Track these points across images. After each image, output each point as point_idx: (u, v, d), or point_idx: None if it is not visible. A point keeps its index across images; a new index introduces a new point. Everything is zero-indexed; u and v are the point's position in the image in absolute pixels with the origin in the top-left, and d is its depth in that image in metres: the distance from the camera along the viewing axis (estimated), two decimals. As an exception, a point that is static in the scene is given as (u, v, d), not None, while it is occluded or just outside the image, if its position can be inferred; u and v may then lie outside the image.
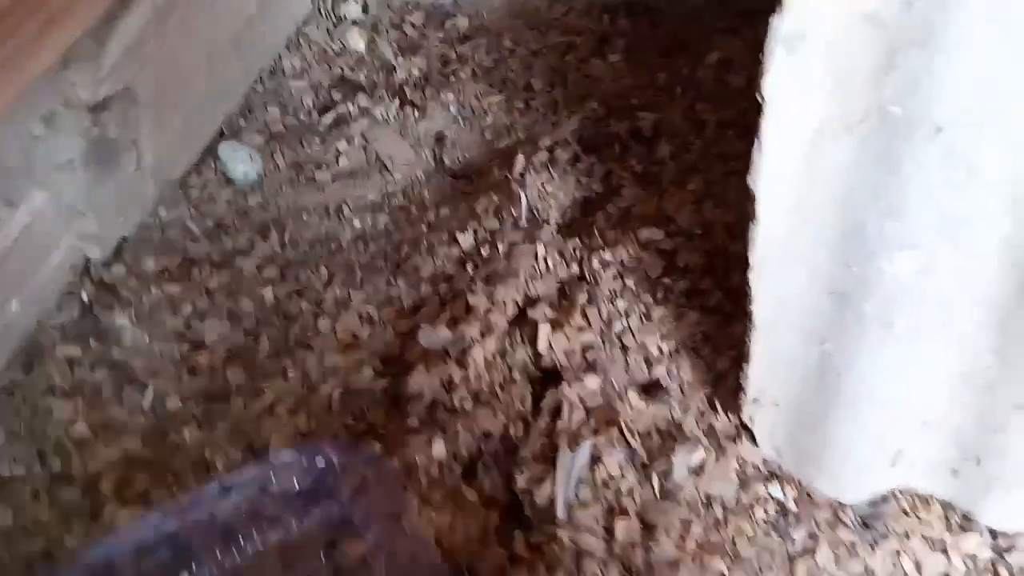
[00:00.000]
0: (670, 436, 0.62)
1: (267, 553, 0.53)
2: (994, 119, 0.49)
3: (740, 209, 0.75)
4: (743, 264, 0.58)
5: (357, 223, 0.78)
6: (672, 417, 0.63)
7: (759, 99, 0.52)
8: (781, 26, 0.50)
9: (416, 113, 0.89)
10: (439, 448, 0.58)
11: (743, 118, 0.86)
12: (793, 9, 0.49)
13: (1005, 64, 0.48)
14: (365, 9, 0.98)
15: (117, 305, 0.67)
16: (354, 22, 0.96)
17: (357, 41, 0.95)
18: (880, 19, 0.50)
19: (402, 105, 0.89)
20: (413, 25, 0.98)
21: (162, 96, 0.70)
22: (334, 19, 0.96)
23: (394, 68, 0.93)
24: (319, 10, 0.96)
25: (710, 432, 0.63)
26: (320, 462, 0.50)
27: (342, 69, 0.92)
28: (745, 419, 0.62)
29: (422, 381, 0.62)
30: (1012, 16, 0.46)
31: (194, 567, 0.51)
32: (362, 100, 0.88)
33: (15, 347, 0.63)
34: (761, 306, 0.58)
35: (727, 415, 0.63)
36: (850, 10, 0.50)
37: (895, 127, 0.52)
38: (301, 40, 0.93)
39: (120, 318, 0.66)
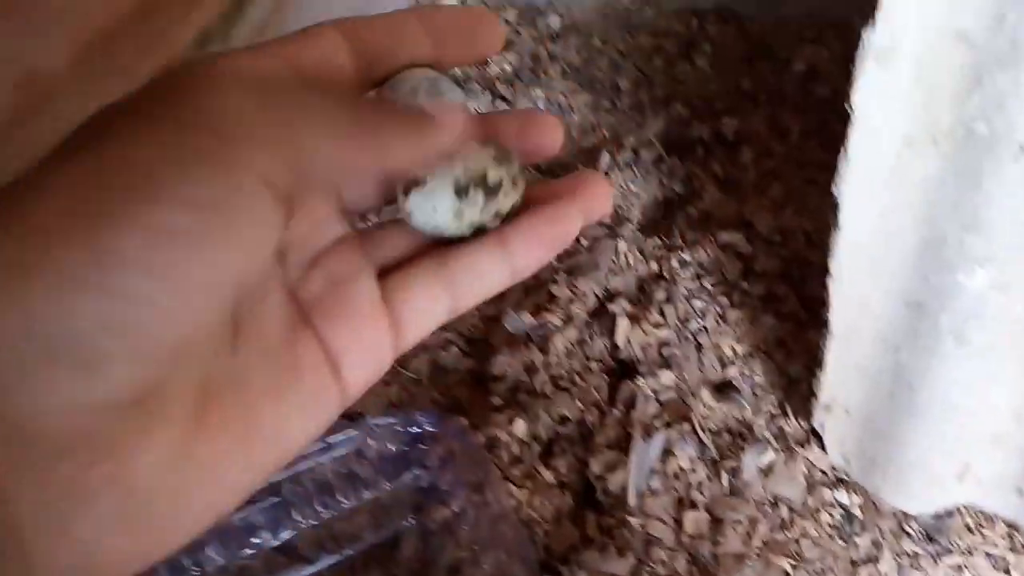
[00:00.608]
0: (740, 436, 0.64)
1: (359, 510, 0.57)
2: (1082, 141, 0.50)
3: (820, 217, 0.77)
4: (820, 272, 0.60)
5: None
6: (743, 417, 0.65)
7: (848, 109, 0.53)
8: (873, 39, 0.52)
9: (506, 107, 0.92)
10: (520, 427, 0.62)
11: (826, 128, 0.87)
12: (886, 23, 0.51)
13: (1097, 85, 0.49)
14: (462, 3, 1.02)
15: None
16: (451, 19, 1.00)
17: (453, 37, 0.99)
18: (970, 37, 0.51)
19: (493, 99, 0.93)
20: (507, 22, 1.01)
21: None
22: (432, 15, 1.00)
23: (487, 63, 0.97)
24: (419, 4, 1.01)
25: (780, 435, 0.65)
26: (414, 429, 0.54)
27: (438, 64, 0.96)
28: (815, 425, 0.64)
29: (506, 363, 0.66)
30: (1107, 41, 0.47)
31: (293, 515, 0.56)
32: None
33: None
34: (839, 313, 0.59)
35: (797, 420, 0.65)
36: (941, 26, 0.51)
37: (979, 143, 0.53)
38: (401, 35, 0.98)
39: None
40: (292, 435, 0.23)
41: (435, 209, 0.25)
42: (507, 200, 0.26)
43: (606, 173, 0.83)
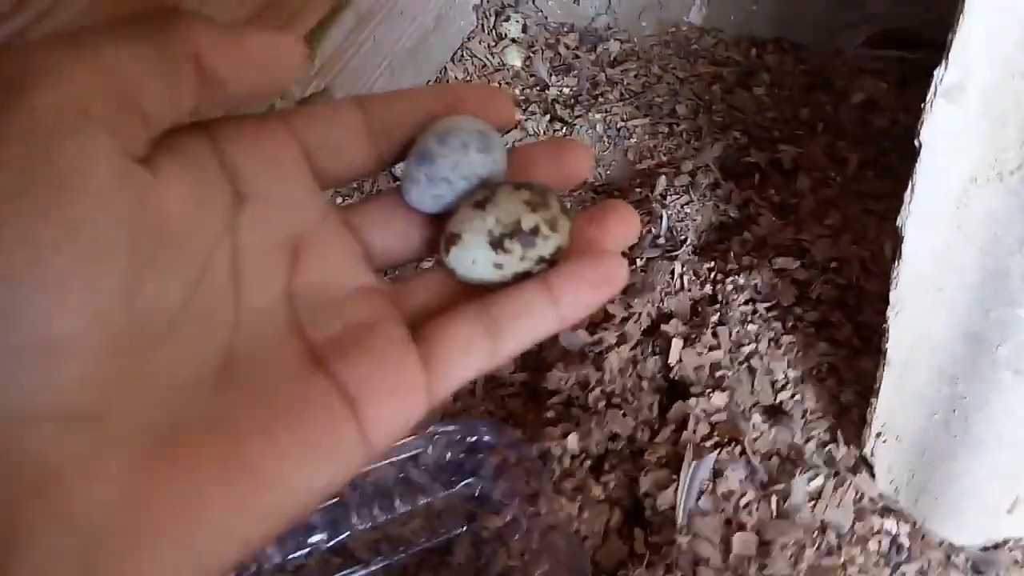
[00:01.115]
0: (790, 460, 0.64)
1: (414, 515, 0.58)
2: None
3: (877, 246, 0.77)
4: (876, 300, 0.60)
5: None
6: (793, 442, 0.65)
7: (916, 145, 0.54)
8: (943, 77, 0.53)
9: (564, 130, 0.94)
10: (572, 441, 0.63)
11: (884, 158, 0.87)
12: (955, 62, 0.52)
13: None
14: (524, 29, 1.04)
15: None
16: (513, 40, 1.03)
17: (515, 58, 1.01)
18: (1041, 76, 0.51)
19: (552, 121, 0.95)
20: (567, 46, 1.03)
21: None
22: (496, 36, 1.03)
23: (547, 86, 0.99)
24: (483, 27, 1.03)
25: (830, 461, 0.65)
26: (471, 439, 0.55)
27: (500, 83, 0.98)
28: (866, 452, 0.64)
29: (560, 378, 0.67)
30: None
31: (351, 517, 0.57)
32: (516, 115, 0.95)
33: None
34: (896, 343, 0.60)
35: (848, 447, 0.65)
36: (1010, 64, 0.52)
37: (1048, 181, 0.53)
38: (465, 54, 1.00)
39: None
40: (298, 479, 0.21)
41: (474, 262, 0.25)
42: (548, 244, 0.25)
43: (663, 196, 0.84)
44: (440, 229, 0.26)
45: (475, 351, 0.24)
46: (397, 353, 0.23)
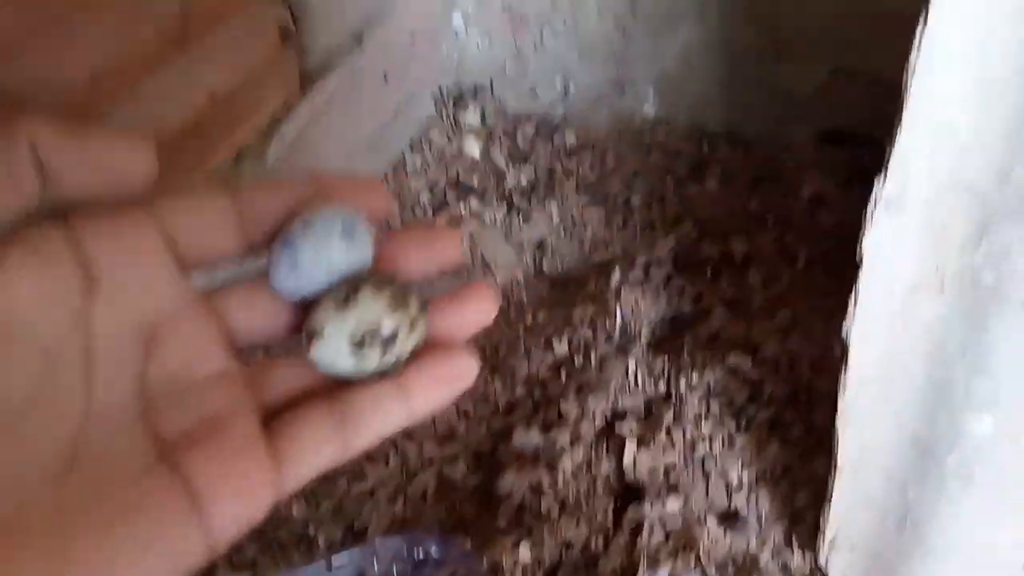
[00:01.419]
0: (745, 569, 0.63)
1: (359, 634, 0.56)
2: (1086, 299, 0.52)
3: (826, 344, 0.78)
4: (827, 400, 0.60)
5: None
6: (748, 549, 0.64)
7: (858, 256, 0.55)
8: (883, 189, 0.54)
9: (521, 219, 0.95)
10: (525, 552, 0.61)
11: (832, 254, 0.89)
12: (894, 176, 0.53)
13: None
14: (483, 118, 1.06)
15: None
16: (472, 129, 1.04)
17: (473, 147, 1.02)
18: (977, 189, 0.53)
19: (509, 211, 0.95)
20: (525, 136, 1.05)
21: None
22: (454, 125, 1.04)
23: (505, 175, 1.00)
24: (441, 116, 1.04)
25: (784, 569, 0.64)
26: (419, 553, 0.54)
27: (458, 172, 0.99)
28: (821, 560, 0.64)
29: (513, 482, 0.66)
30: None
31: (293, 639, 0.55)
32: (473, 203, 0.95)
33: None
34: (846, 449, 0.60)
35: (803, 552, 0.65)
36: (949, 178, 0.53)
37: (986, 292, 0.54)
38: (423, 142, 1.01)
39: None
40: (133, 572, 0.22)
41: (335, 359, 0.26)
42: (406, 345, 0.27)
43: (617, 290, 0.84)
44: (304, 315, 0.27)
45: (325, 448, 0.26)
46: (246, 450, 0.24)
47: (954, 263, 0.55)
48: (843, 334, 0.56)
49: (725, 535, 0.65)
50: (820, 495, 0.62)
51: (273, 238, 0.27)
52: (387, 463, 0.69)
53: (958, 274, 0.55)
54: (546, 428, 0.70)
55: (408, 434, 0.72)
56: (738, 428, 0.72)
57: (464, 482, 0.68)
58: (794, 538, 0.66)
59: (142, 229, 0.25)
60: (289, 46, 0.64)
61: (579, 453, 0.69)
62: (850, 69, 0.94)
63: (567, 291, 0.88)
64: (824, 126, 0.99)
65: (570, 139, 1.05)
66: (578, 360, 0.78)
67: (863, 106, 0.96)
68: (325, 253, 0.26)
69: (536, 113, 1.08)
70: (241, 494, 0.24)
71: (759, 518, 0.66)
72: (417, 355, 0.27)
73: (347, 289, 0.26)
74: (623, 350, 0.78)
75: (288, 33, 0.62)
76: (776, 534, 0.65)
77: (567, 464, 0.67)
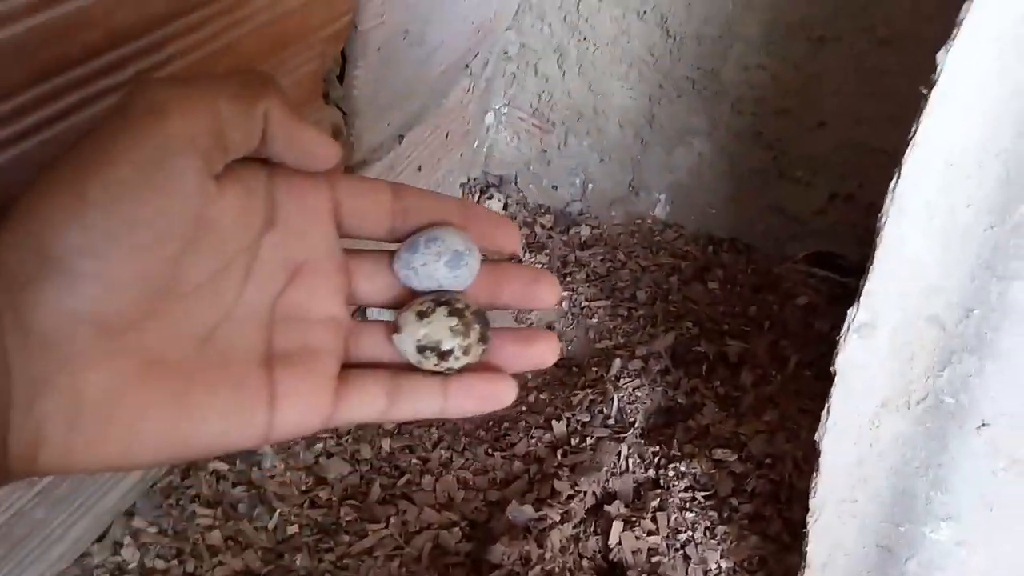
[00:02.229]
0: (717, 651, 0.67)
1: None
2: (1034, 426, 0.57)
3: (810, 445, 0.83)
4: (805, 498, 0.65)
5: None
6: (721, 633, 0.69)
7: (832, 371, 0.61)
8: (855, 315, 0.60)
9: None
10: (510, 621, 0.66)
11: (822, 359, 0.95)
12: (866, 305, 0.60)
13: (1048, 381, 0.57)
14: (505, 207, 1.14)
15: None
16: (493, 217, 1.12)
17: (493, 234, 1.09)
18: (941, 321, 0.59)
19: (521, 296, 1.02)
20: (543, 226, 1.13)
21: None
22: (477, 213, 1.12)
23: (521, 261, 1.07)
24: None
25: (755, 655, 0.68)
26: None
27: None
28: (789, 650, 0.68)
29: (503, 552, 0.71)
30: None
31: None
32: (489, 286, 1.02)
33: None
34: (815, 547, 0.65)
35: (773, 641, 0.69)
36: (917, 310, 0.60)
37: (948, 414, 0.60)
38: (446, 227, 1.09)
39: (265, 445, 0.78)
40: (211, 427, 0.29)
41: (405, 352, 0.34)
42: (458, 363, 0.33)
43: (616, 378, 0.90)
44: (406, 300, 0.35)
45: (373, 408, 0.33)
46: (321, 383, 0.32)
47: (920, 385, 0.61)
48: (816, 439, 0.62)
49: (699, 620, 0.69)
50: (791, 589, 0.67)
51: (411, 234, 0.34)
52: (387, 523, 0.74)
53: (923, 395, 0.61)
54: (539, 503, 0.75)
55: (409, 498, 0.77)
56: (720, 519, 0.77)
57: (457, 548, 0.73)
58: (764, 629, 0.70)
59: (319, 192, 0.33)
60: (340, 142, 0.72)
61: (568, 529, 0.73)
62: (847, 195, 1.02)
63: (570, 374, 0.94)
64: (820, 246, 1.07)
65: (584, 233, 1.13)
66: (575, 441, 0.83)
67: (859, 229, 1.03)
68: (429, 268, 0.33)
69: (555, 207, 1.16)
70: (303, 410, 0.31)
71: (732, 607, 0.71)
72: (468, 369, 0.34)
73: (430, 304, 0.33)
74: (617, 435, 0.84)
75: (339, 131, 0.70)
76: (747, 623, 0.70)
77: (555, 539, 0.72)
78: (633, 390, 0.89)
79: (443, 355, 0.33)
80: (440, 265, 0.33)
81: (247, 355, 0.31)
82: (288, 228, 0.32)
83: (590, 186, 1.14)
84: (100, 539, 0.67)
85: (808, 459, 0.83)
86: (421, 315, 0.33)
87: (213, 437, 0.29)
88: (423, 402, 0.33)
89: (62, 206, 0.25)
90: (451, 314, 0.33)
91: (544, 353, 0.35)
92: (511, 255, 0.36)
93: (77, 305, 0.26)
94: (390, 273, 0.34)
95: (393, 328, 0.34)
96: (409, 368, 0.34)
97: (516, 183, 1.16)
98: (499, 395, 0.34)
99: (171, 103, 0.27)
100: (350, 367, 0.33)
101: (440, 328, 0.33)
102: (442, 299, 0.34)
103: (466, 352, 0.33)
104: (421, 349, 0.33)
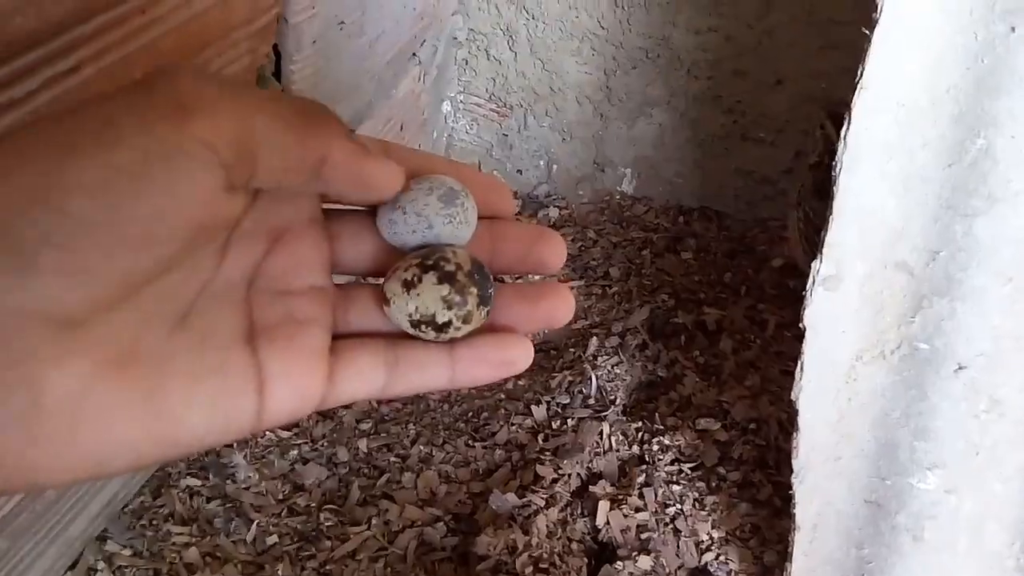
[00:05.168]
0: (714, 622, 0.66)
1: None
2: (1008, 362, 0.56)
3: (793, 407, 0.82)
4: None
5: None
6: (718, 604, 0.68)
7: (801, 327, 0.60)
8: (819, 269, 0.59)
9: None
10: (499, 611, 0.64)
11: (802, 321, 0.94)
12: (829, 256, 0.58)
13: (1019, 315, 0.55)
14: (469, 196, 1.12)
15: (236, 444, 0.77)
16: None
17: (460, 224, 1.08)
18: (908, 266, 0.58)
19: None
20: (525, 220, 1.11)
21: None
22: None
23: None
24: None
25: (752, 622, 0.67)
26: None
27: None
28: (786, 614, 0.66)
29: (489, 543, 0.69)
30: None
31: None
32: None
33: (148, 475, 0.73)
34: (803, 509, 0.63)
35: (770, 607, 0.67)
36: (883, 257, 0.58)
37: (924, 360, 0.59)
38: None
39: (237, 456, 0.76)
40: (192, 423, 0.26)
41: (399, 324, 0.29)
42: (459, 333, 0.29)
43: (594, 356, 0.89)
44: (389, 264, 0.30)
45: (370, 381, 0.29)
46: (311, 358, 0.28)
47: (893, 334, 0.60)
48: (792, 398, 0.61)
49: (694, 593, 0.68)
50: (787, 553, 0.66)
51: None
52: (370, 525, 0.72)
53: (897, 344, 0.60)
54: (523, 490, 0.74)
55: (390, 497, 0.75)
56: (708, 489, 0.76)
57: (443, 543, 0.71)
58: (760, 596, 0.68)
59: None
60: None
61: (554, 514, 0.72)
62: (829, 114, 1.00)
63: (548, 357, 0.92)
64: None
65: (553, 215, 1.11)
66: (555, 424, 0.82)
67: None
68: (424, 211, 0.28)
69: (522, 192, 1.14)
70: (295, 391, 0.27)
71: (728, 574, 0.69)
72: (475, 333, 0.29)
73: (417, 270, 0.29)
74: (598, 414, 0.82)
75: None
76: (742, 592, 0.68)
77: (542, 524, 0.71)
78: (612, 368, 0.88)
79: (440, 328, 0.29)
80: (433, 200, 0.29)
81: (228, 335, 0.27)
82: (272, 196, 0.29)
83: (555, 167, 1.13)
84: (73, 566, 0.66)
85: (793, 421, 0.81)
86: (408, 285, 0.29)
87: (197, 432, 0.26)
88: (428, 372, 0.29)
89: (41, 182, 0.22)
90: (441, 280, 0.28)
91: (555, 310, 0.30)
92: (504, 215, 0.32)
93: (31, 302, 0.22)
94: (377, 235, 0.30)
95: (383, 298, 0.29)
96: (408, 336, 0.30)
97: (480, 171, 1.15)
98: (514, 360, 0.30)
99: (202, 101, 0.24)
100: (343, 339, 0.29)
101: (431, 299, 0.28)
102: (429, 261, 0.29)
103: (466, 321, 0.29)
104: (415, 324, 0.29)
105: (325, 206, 0.31)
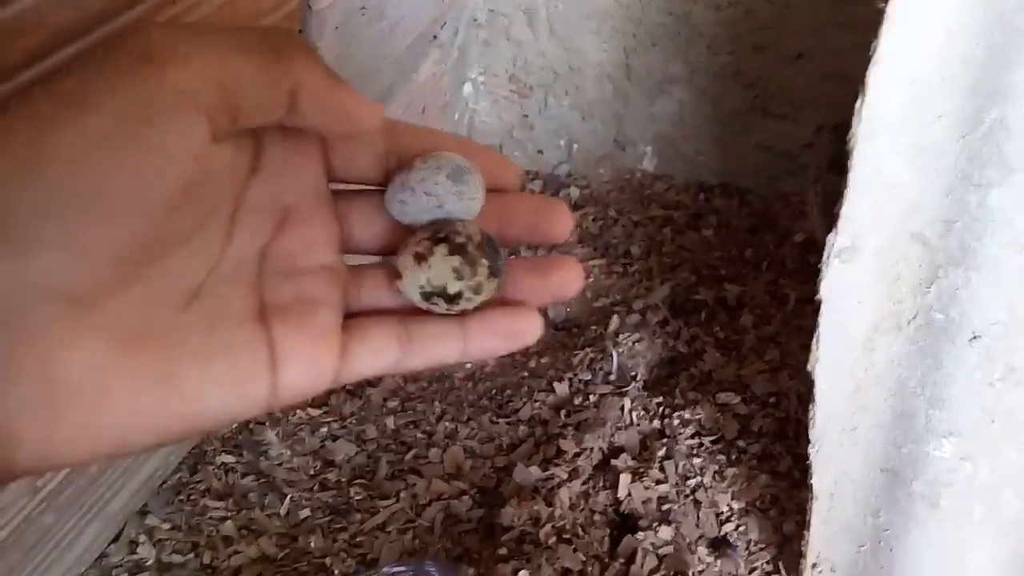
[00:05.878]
0: (734, 591, 0.68)
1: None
2: (1023, 330, 0.57)
3: (810, 379, 0.83)
4: (811, 434, 0.65)
5: (468, 364, 0.90)
6: (737, 574, 0.69)
7: (817, 300, 0.61)
8: (835, 241, 0.60)
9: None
10: (524, 577, 0.66)
11: (818, 293, 0.94)
12: (846, 229, 0.59)
13: (1035, 286, 0.56)
14: (491, 177, 1.13)
15: (268, 423, 0.80)
16: (481, 188, 1.11)
17: (482, 205, 1.09)
18: (924, 237, 0.58)
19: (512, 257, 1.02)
20: (532, 192, 1.12)
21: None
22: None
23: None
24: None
25: (772, 591, 0.68)
26: (424, 577, 0.59)
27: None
28: (805, 582, 0.68)
29: (514, 514, 0.71)
30: (1038, 248, 0.55)
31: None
32: (482, 256, 1.02)
33: (185, 453, 0.76)
34: (821, 478, 0.64)
35: None
36: (898, 229, 0.59)
37: (939, 330, 0.59)
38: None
39: (270, 434, 0.78)
40: (209, 401, 0.26)
41: (411, 297, 0.30)
42: (471, 304, 0.29)
43: (615, 334, 0.90)
44: (399, 243, 0.30)
45: (384, 357, 0.29)
46: (323, 335, 0.28)
47: (909, 304, 0.60)
48: (808, 369, 0.62)
49: (715, 561, 0.69)
50: (806, 523, 0.67)
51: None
52: (398, 498, 0.75)
53: (913, 314, 0.61)
54: (546, 463, 0.76)
55: (417, 471, 0.78)
56: (729, 461, 0.77)
57: (469, 515, 0.73)
58: (781, 564, 0.70)
59: (308, 137, 0.29)
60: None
61: (576, 486, 0.74)
62: (834, 126, 1.00)
63: (569, 336, 0.94)
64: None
65: (574, 195, 1.12)
66: (577, 400, 0.84)
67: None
68: (434, 190, 0.29)
69: (543, 171, 1.16)
70: (308, 369, 0.28)
71: (748, 545, 0.71)
72: (486, 305, 0.30)
73: (428, 242, 0.29)
74: (620, 390, 0.84)
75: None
76: (764, 560, 0.70)
77: (565, 497, 0.73)
78: (633, 344, 0.89)
79: (452, 299, 0.29)
80: (442, 178, 0.29)
81: (239, 314, 0.27)
82: (274, 171, 0.29)
83: (575, 146, 1.14)
84: (116, 539, 0.69)
85: (812, 394, 0.82)
86: (419, 257, 0.29)
87: (213, 408, 0.26)
88: (440, 346, 0.30)
89: (21, 155, 0.22)
90: (452, 252, 0.29)
91: (565, 283, 0.31)
92: (510, 189, 0.32)
93: (35, 277, 0.22)
94: (386, 215, 0.31)
95: (395, 273, 0.30)
96: (420, 312, 0.30)
97: (501, 151, 1.16)
98: (524, 331, 0.30)
99: (170, 49, 0.23)
100: (355, 317, 0.30)
101: (442, 270, 0.29)
102: (440, 234, 0.30)
103: (477, 291, 0.29)
104: (427, 296, 0.29)
105: (334, 187, 0.31)
